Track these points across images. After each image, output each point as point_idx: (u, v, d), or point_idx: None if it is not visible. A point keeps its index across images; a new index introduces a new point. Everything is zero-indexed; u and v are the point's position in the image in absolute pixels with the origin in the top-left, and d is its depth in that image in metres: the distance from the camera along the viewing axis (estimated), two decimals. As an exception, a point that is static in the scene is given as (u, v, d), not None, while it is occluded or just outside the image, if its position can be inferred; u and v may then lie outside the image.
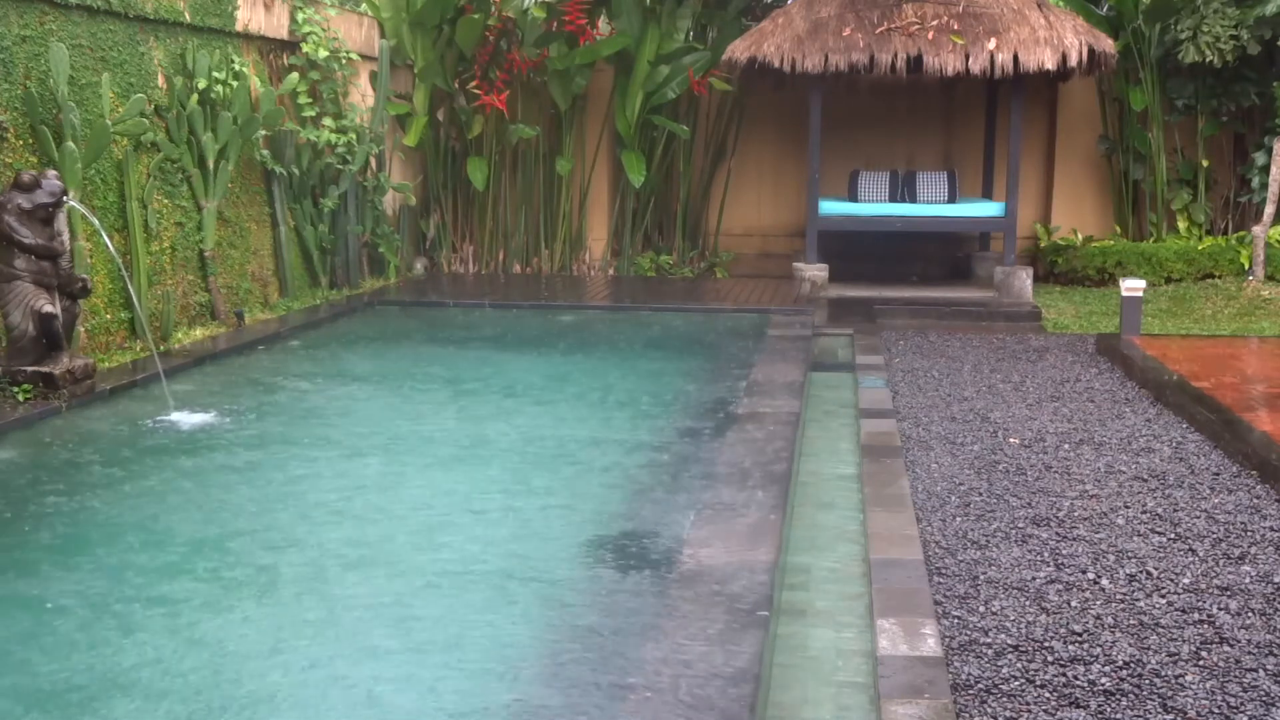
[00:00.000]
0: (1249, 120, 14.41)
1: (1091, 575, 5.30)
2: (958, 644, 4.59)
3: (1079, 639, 4.64)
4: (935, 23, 12.44)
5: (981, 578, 5.27)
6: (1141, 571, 5.34)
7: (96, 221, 8.76)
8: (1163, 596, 5.06)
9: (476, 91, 14.20)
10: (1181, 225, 14.48)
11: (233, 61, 11.05)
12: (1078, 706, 4.11)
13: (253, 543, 5.49)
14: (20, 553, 5.38)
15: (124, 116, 9.38)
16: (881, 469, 6.84)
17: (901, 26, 12.44)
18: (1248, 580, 5.23)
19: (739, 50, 12.77)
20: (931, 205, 13.21)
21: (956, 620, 4.81)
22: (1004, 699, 4.16)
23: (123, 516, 5.86)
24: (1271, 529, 5.90)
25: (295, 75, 12.04)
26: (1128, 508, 6.24)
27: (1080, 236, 14.68)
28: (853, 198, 13.46)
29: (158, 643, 4.42)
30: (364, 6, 14.30)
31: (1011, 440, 7.60)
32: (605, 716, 3.81)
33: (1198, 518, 6.07)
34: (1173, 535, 5.81)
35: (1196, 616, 4.85)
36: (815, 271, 12.89)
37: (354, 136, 12.66)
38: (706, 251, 15.34)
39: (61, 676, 4.16)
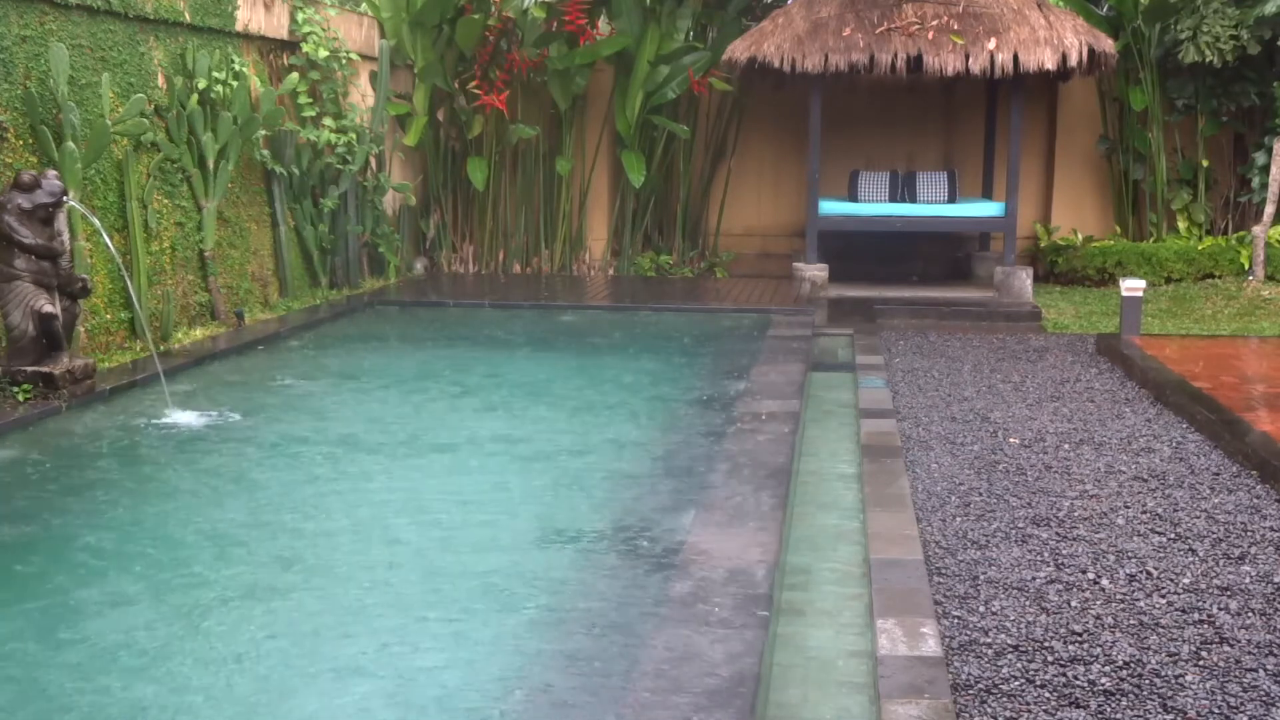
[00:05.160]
0: (1249, 120, 14.42)
1: (1091, 575, 5.30)
2: (958, 644, 4.59)
3: (1079, 639, 4.64)
4: (935, 23, 12.43)
5: (981, 578, 5.27)
6: (1141, 571, 5.34)
7: (96, 221, 8.76)
8: (1163, 596, 5.06)
9: (476, 91, 14.20)
10: (1181, 225, 14.48)
11: (233, 61, 11.05)
12: (1078, 706, 4.11)
13: (253, 540, 5.49)
14: (19, 552, 5.38)
15: (124, 116, 9.38)
16: (881, 469, 6.84)
17: (901, 26, 12.44)
18: (1248, 580, 5.23)
19: (739, 50, 12.77)
20: (931, 205, 13.20)
21: (956, 620, 4.80)
22: (1004, 699, 4.16)
23: (121, 516, 5.86)
24: (1271, 529, 5.90)
25: (295, 75, 12.04)
26: (1128, 508, 6.24)
27: (1080, 236, 14.68)
28: (853, 198, 13.46)
29: (139, 633, 4.43)
30: (364, 6, 14.30)
31: (1011, 440, 7.60)
32: (604, 716, 3.81)
33: (1198, 518, 6.07)
34: (1173, 535, 5.81)
35: (1196, 616, 4.85)
36: (815, 271, 12.89)
37: (354, 136, 12.66)
38: (706, 251, 15.34)
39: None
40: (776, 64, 12.47)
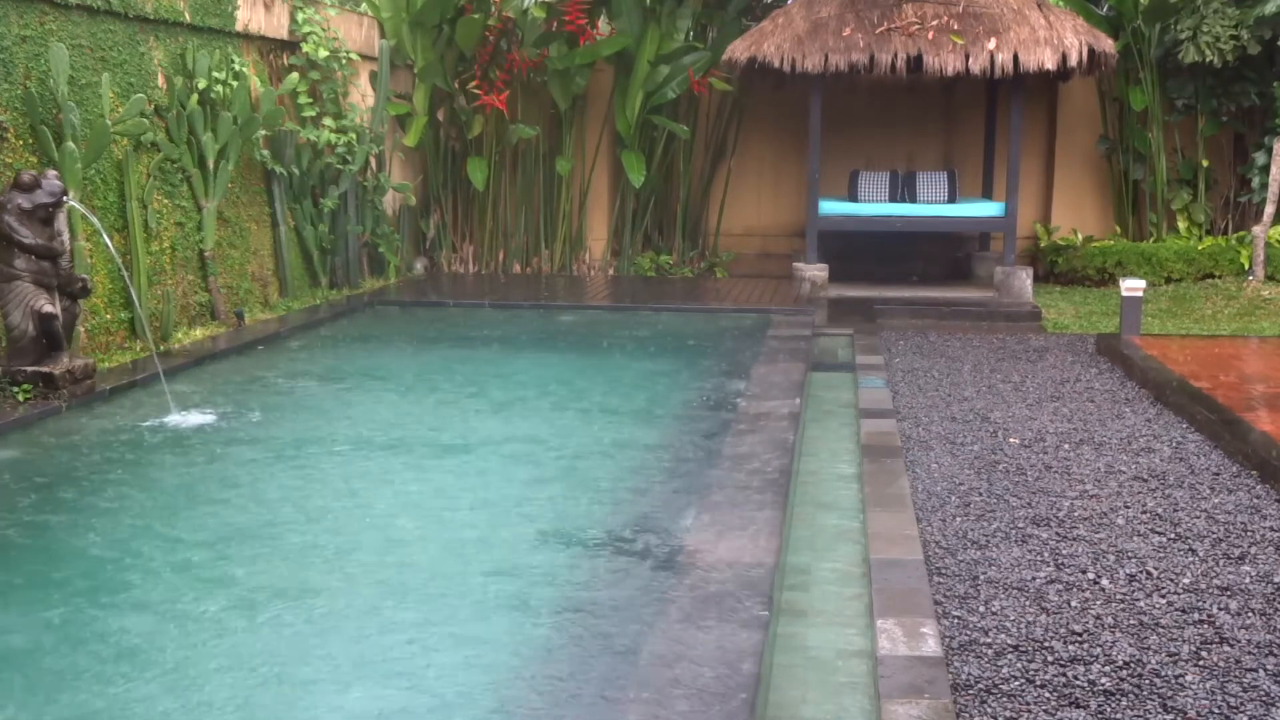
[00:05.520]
0: (1249, 120, 14.42)
1: (1091, 575, 5.30)
2: (958, 644, 4.59)
3: (1079, 639, 4.64)
4: (935, 23, 12.43)
5: (981, 578, 5.27)
6: (1141, 571, 5.34)
7: (96, 221, 8.76)
8: (1163, 596, 5.06)
9: (476, 91, 14.20)
10: (1181, 225, 14.48)
11: (233, 61, 11.05)
12: (1078, 706, 4.11)
13: (253, 540, 5.49)
14: (20, 553, 5.38)
15: (124, 116, 9.38)
16: (881, 469, 6.84)
17: (901, 26, 12.44)
18: (1248, 580, 5.23)
19: (739, 50, 12.77)
20: (931, 205, 13.21)
21: (956, 620, 4.81)
22: (1004, 699, 4.16)
23: (124, 516, 5.86)
24: (1271, 529, 5.90)
25: (295, 75, 12.05)
26: (1128, 508, 6.24)
27: (1080, 236, 14.68)
28: (853, 198, 13.46)
29: (152, 635, 4.43)
30: (364, 6, 14.30)
31: (1011, 440, 7.60)
32: (603, 715, 3.81)
33: (1198, 518, 6.07)
34: (1173, 535, 5.81)
35: (1196, 616, 4.85)
36: (815, 271, 12.89)
37: (354, 136, 12.66)
38: (706, 251, 15.35)
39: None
40: (776, 64, 12.47)
